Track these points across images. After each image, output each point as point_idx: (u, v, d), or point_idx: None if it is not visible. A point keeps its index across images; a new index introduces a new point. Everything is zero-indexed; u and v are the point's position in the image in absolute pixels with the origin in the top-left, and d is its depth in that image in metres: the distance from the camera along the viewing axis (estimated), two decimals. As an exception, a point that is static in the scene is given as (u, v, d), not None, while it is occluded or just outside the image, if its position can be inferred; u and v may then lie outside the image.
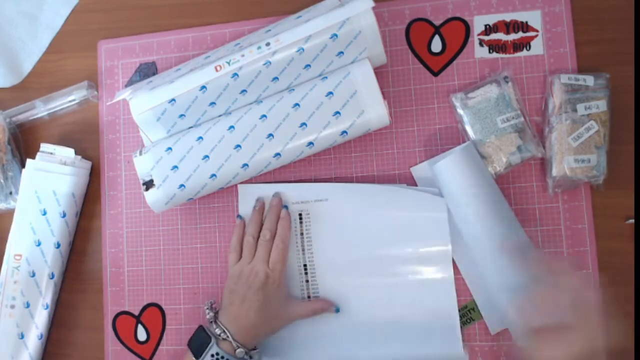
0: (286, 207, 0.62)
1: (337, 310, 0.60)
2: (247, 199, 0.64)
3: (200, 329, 0.56)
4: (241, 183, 0.63)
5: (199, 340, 0.55)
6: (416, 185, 0.61)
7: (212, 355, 0.53)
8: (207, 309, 0.58)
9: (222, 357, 0.53)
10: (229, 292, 0.58)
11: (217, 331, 0.55)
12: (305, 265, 0.61)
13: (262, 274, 0.57)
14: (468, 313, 0.59)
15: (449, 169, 0.56)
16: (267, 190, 0.63)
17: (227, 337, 0.54)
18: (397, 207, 0.59)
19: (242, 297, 0.56)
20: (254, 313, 0.55)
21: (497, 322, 0.58)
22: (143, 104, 0.61)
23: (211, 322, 0.56)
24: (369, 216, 0.60)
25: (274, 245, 0.59)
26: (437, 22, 0.63)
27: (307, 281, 0.61)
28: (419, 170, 0.61)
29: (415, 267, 0.59)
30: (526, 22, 0.61)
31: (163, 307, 0.66)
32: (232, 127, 0.59)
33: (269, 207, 0.62)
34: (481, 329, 0.59)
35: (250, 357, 0.55)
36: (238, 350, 0.53)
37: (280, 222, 0.60)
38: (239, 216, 0.63)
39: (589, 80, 0.56)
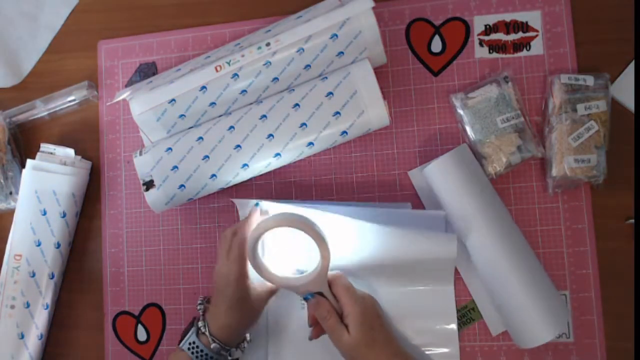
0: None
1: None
2: (246, 211, 0.62)
3: (193, 319, 0.57)
4: (237, 199, 0.63)
5: (187, 329, 0.57)
6: (416, 191, 0.61)
7: (190, 344, 0.55)
8: (200, 304, 0.58)
9: (197, 347, 0.54)
10: (217, 290, 0.57)
11: (200, 324, 0.55)
12: None
13: (225, 273, 0.55)
14: (468, 313, 0.59)
15: (440, 172, 0.56)
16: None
17: (205, 331, 0.55)
18: (403, 245, 0.56)
19: (215, 296, 0.56)
20: (225, 312, 0.54)
21: (498, 323, 0.58)
22: (143, 104, 0.61)
23: (202, 314, 0.57)
24: (368, 230, 0.57)
25: (234, 241, 0.55)
26: (437, 22, 0.63)
27: None
28: (417, 174, 0.61)
29: (416, 283, 0.59)
30: (526, 22, 0.61)
31: (163, 307, 0.66)
32: (232, 127, 0.59)
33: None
34: (481, 329, 0.59)
35: (228, 353, 0.55)
36: (213, 345, 0.54)
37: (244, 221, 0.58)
38: None
39: (589, 80, 0.56)
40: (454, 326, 0.59)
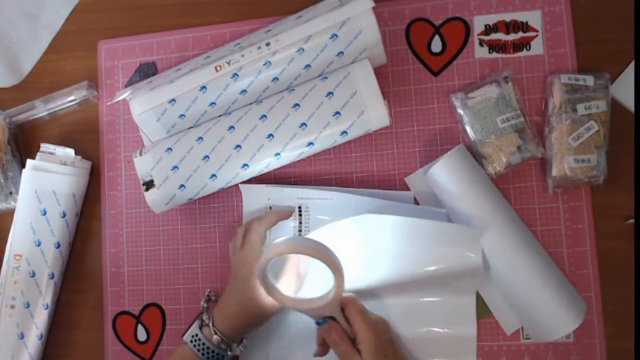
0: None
1: None
2: (252, 200, 0.63)
3: (201, 311, 0.59)
4: (242, 183, 0.63)
5: (192, 322, 0.57)
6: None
7: (192, 337, 0.55)
8: (204, 300, 0.60)
9: (199, 340, 0.54)
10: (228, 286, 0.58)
11: (205, 317, 0.56)
12: None
13: (234, 268, 0.56)
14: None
15: (442, 173, 0.56)
16: (270, 192, 0.63)
17: (208, 323, 0.55)
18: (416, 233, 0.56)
19: (229, 285, 0.57)
20: (234, 302, 0.55)
21: (512, 321, 0.58)
22: (143, 104, 0.61)
23: (207, 308, 0.58)
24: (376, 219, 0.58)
25: (244, 237, 0.58)
26: (437, 22, 0.63)
27: None
28: (414, 179, 0.61)
29: (437, 292, 0.58)
30: (526, 22, 0.61)
31: (163, 307, 0.66)
32: (232, 127, 0.59)
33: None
34: (481, 329, 0.59)
35: (229, 348, 0.55)
36: (214, 337, 0.54)
37: (272, 212, 0.60)
38: None
39: (589, 80, 0.56)
40: (473, 337, 0.58)
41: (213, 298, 0.61)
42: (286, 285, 0.52)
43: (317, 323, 0.52)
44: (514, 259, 0.54)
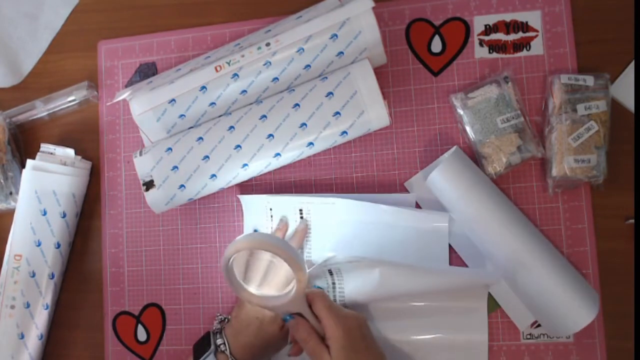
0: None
1: None
2: (253, 210, 0.63)
3: (207, 334, 0.55)
4: (242, 194, 0.63)
5: (202, 346, 0.54)
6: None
7: None
8: (217, 321, 0.57)
9: None
10: (238, 305, 0.57)
11: (219, 342, 0.54)
12: None
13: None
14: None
15: (443, 178, 0.56)
16: (271, 199, 0.62)
17: (225, 349, 0.53)
18: (404, 222, 0.58)
19: (246, 313, 0.55)
20: (252, 332, 0.53)
21: (525, 317, 0.57)
22: (143, 104, 0.61)
23: (216, 332, 0.55)
24: (377, 228, 0.59)
25: None
26: (437, 22, 0.63)
27: None
28: (414, 183, 0.61)
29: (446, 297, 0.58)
30: (526, 22, 0.61)
31: (163, 307, 0.66)
32: (232, 127, 0.59)
33: (293, 231, 0.60)
34: (481, 329, 0.59)
35: None
36: None
37: (293, 238, 0.59)
38: (255, 230, 0.63)
39: (589, 80, 0.56)
40: (484, 343, 0.58)
41: (227, 320, 0.57)
42: (257, 284, 0.51)
43: (284, 320, 0.51)
44: (526, 258, 0.54)
